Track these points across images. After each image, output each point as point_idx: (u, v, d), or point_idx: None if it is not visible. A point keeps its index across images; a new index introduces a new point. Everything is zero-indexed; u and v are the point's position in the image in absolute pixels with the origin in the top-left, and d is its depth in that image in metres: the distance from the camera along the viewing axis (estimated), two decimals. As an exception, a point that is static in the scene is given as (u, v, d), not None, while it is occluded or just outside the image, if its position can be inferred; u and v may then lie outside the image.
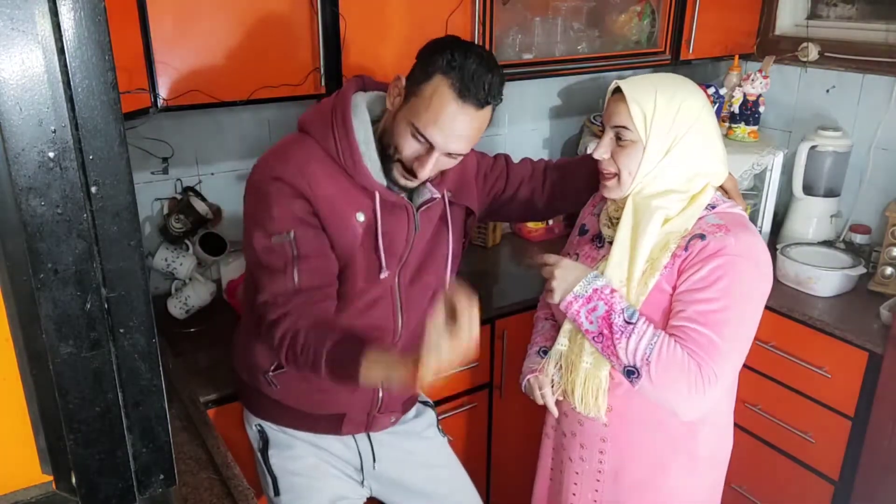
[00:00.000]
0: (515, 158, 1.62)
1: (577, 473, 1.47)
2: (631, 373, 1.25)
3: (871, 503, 1.85)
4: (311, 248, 1.23)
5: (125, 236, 0.58)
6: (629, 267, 1.28)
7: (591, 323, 1.27)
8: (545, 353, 1.46)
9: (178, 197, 1.91)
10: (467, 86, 1.16)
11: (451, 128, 1.19)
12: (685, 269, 1.24)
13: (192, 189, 1.94)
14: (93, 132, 0.55)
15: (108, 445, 0.62)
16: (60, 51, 0.53)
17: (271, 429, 1.49)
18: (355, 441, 1.51)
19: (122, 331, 0.60)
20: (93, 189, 0.56)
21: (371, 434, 1.52)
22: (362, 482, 1.55)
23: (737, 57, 2.41)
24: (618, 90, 1.28)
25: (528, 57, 2.09)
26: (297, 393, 1.42)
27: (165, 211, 1.89)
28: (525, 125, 2.55)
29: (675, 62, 2.31)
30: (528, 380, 1.44)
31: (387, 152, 1.26)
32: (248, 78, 1.62)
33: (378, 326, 1.38)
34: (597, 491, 1.45)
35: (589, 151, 1.32)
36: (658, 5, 2.27)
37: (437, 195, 1.36)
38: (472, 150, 1.40)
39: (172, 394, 1.52)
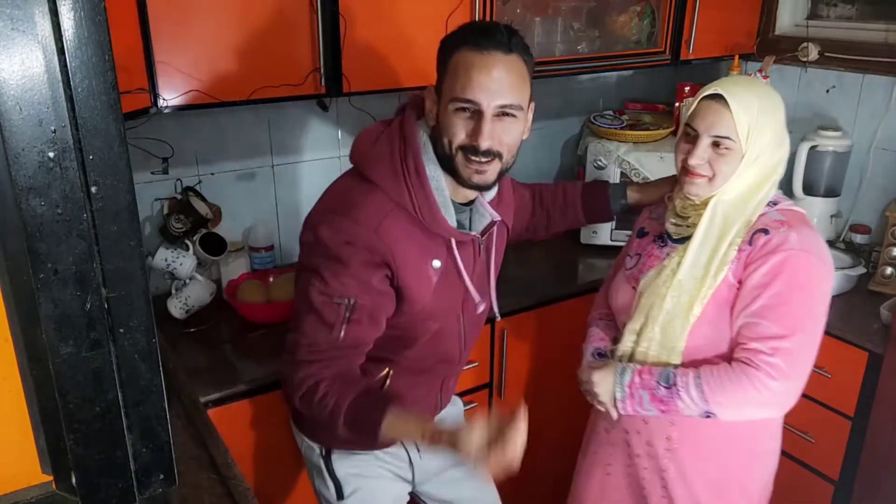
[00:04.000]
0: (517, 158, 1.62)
1: (645, 469, 1.48)
2: (708, 416, 1.30)
3: (871, 503, 1.85)
4: (366, 315, 1.22)
5: (125, 236, 0.58)
6: (705, 267, 1.31)
7: (648, 410, 1.33)
8: (600, 354, 1.49)
9: (178, 197, 1.91)
10: (480, 39, 1.15)
11: (487, 78, 1.14)
12: (748, 265, 1.29)
13: (192, 189, 1.94)
14: (93, 132, 0.55)
15: (108, 445, 0.62)
16: (60, 51, 0.53)
17: None
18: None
19: (122, 331, 0.60)
20: (93, 189, 0.56)
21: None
22: (412, 477, 1.57)
23: (737, 57, 2.41)
24: (715, 96, 1.28)
25: (528, 57, 2.09)
26: None
27: (165, 211, 1.89)
28: (525, 125, 2.54)
29: (675, 62, 2.31)
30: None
31: (447, 155, 1.21)
32: (248, 78, 1.62)
33: (445, 359, 1.43)
34: (664, 487, 1.46)
35: (690, 161, 1.31)
36: (658, 5, 2.27)
37: (498, 218, 1.34)
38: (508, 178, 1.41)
39: (172, 394, 1.52)
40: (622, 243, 2.33)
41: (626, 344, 1.41)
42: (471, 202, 1.32)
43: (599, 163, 2.29)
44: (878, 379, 1.78)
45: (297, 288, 1.27)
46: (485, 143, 1.17)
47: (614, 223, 2.34)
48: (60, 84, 0.53)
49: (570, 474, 2.42)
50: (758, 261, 1.27)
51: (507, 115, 1.18)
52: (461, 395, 2.00)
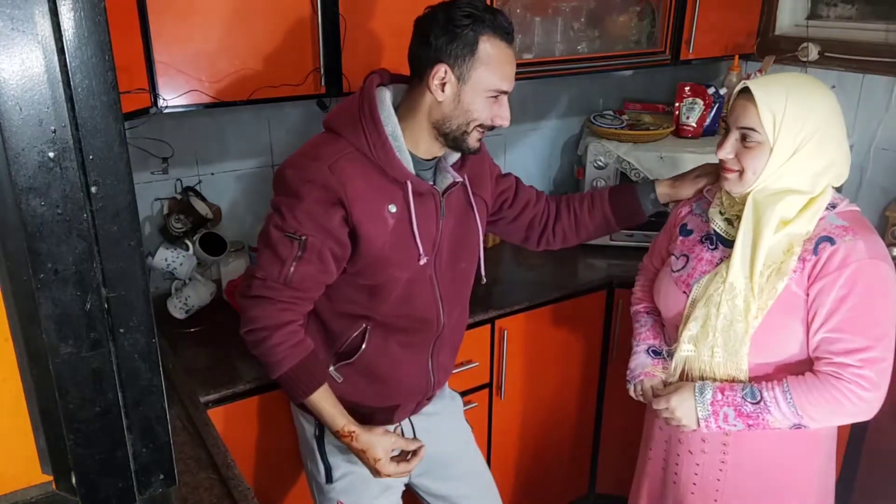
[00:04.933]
0: (516, 158, 1.63)
1: (697, 465, 1.47)
2: (797, 427, 1.29)
3: (871, 503, 1.85)
4: (315, 255, 1.29)
5: (125, 236, 0.58)
6: (751, 265, 1.30)
7: (734, 426, 1.32)
8: (655, 352, 1.49)
9: (178, 197, 1.91)
10: (505, 27, 1.27)
11: (512, 69, 1.31)
12: (819, 277, 1.26)
13: (192, 189, 1.94)
14: (93, 132, 0.55)
15: (108, 445, 0.62)
16: (60, 51, 0.52)
17: None
18: (400, 426, 1.55)
19: (122, 331, 0.60)
20: (93, 189, 0.56)
21: (412, 417, 1.58)
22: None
23: (737, 57, 2.41)
24: (745, 90, 1.28)
25: (528, 57, 2.09)
26: (358, 387, 1.45)
27: (165, 211, 1.89)
28: (525, 125, 2.54)
29: (675, 62, 2.31)
30: (643, 381, 1.46)
31: (458, 131, 1.31)
32: (248, 78, 1.62)
33: (422, 318, 1.44)
34: (719, 480, 1.45)
35: (718, 154, 1.33)
36: (658, 5, 2.27)
37: (460, 179, 1.41)
38: (486, 151, 1.53)
39: (172, 394, 1.52)
40: (622, 243, 2.35)
41: (682, 351, 1.39)
42: (434, 160, 1.39)
43: (599, 163, 2.29)
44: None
45: (262, 227, 1.34)
46: (508, 120, 1.34)
47: (614, 223, 2.34)
48: (60, 84, 0.53)
49: (569, 473, 2.42)
50: (830, 274, 1.24)
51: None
52: (461, 395, 2.01)
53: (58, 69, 0.53)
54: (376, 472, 1.38)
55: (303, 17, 1.64)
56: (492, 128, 1.34)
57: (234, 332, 1.83)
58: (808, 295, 1.27)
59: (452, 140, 1.33)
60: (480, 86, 1.27)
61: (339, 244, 1.30)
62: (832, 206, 1.30)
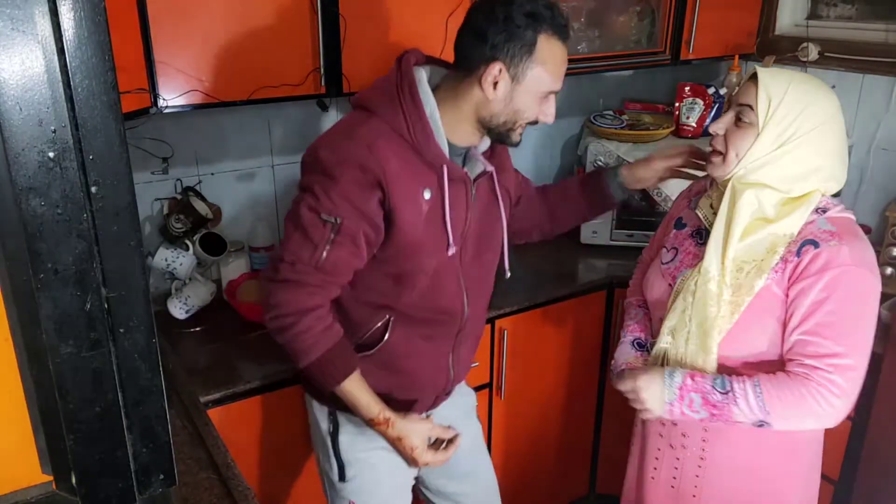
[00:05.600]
0: (516, 158, 1.62)
1: (677, 460, 1.47)
2: (760, 425, 1.28)
3: (871, 503, 1.85)
4: (349, 239, 1.25)
5: (125, 236, 0.58)
6: (723, 248, 1.30)
7: (698, 412, 1.30)
8: (640, 344, 1.49)
9: (178, 197, 1.91)
10: (562, 25, 1.24)
11: (565, 67, 1.29)
12: (799, 279, 1.25)
13: (192, 189, 1.94)
14: (93, 132, 0.55)
15: (108, 445, 0.62)
16: (60, 51, 0.52)
17: (341, 413, 1.48)
18: (431, 414, 1.54)
19: (122, 331, 0.60)
20: (93, 189, 0.56)
21: (432, 412, 1.55)
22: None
23: (737, 57, 2.41)
24: (753, 76, 1.28)
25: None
26: (377, 379, 1.39)
27: (165, 211, 1.89)
28: (525, 125, 2.54)
29: (675, 62, 2.31)
30: (623, 371, 1.46)
31: (505, 126, 1.30)
32: (248, 78, 1.62)
33: (446, 309, 1.41)
34: (697, 476, 1.45)
35: (711, 129, 1.34)
36: (658, 5, 2.27)
37: (490, 168, 1.39)
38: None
39: (172, 394, 1.52)
40: (622, 243, 2.35)
41: (662, 342, 1.40)
42: (467, 147, 1.37)
43: (599, 163, 2.29)
44: (878, 379, 1.78)
45: (290, 208, 1.30)
46: (553, 116, 1.35)
47: (615, 223, 2.35)
48: (60, 84, 0.53)
49: (569, 473, 2.42)
50: (810, 277, 1.24)
51: None
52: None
53: (58, 69, 0.53)
54: (413, 462, 1.36)
55: (303, 17, 1.64)
56: (535, 122, 1.33)
57: (234, 332, 1.85)
58: (787, 296, 1.27)
59: (497, 134, 1.31)
60: (534, 86, 1.25)
61: (373, 228, 1.26)
62: (823, 210, 1.29)
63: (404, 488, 1.56)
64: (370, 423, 1.35)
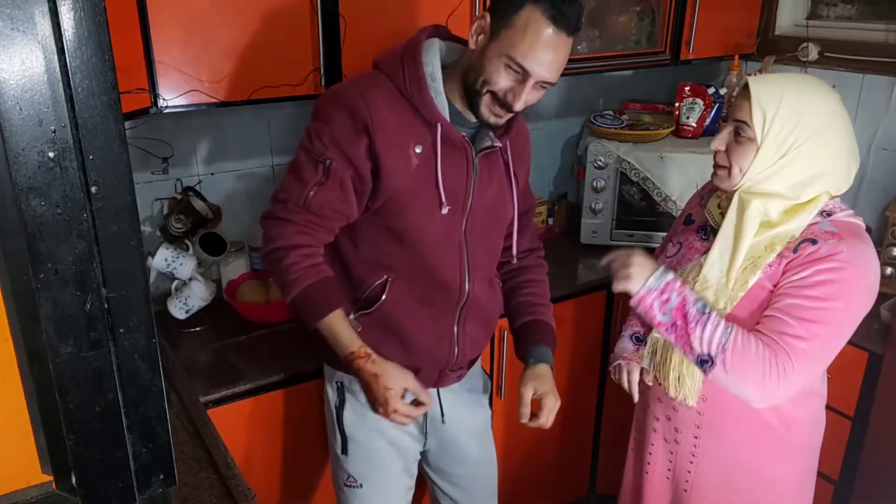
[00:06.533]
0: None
1: (672, 453, 1.48)
2: (704, 362, 1.27)
3: (871, 503, 1.85)
4: (337, 182, 1.29)
5: (125, 236, 0.58)
6: (730, 260, 1.30)
7: (665, 314, 1.29)
8: (638, 339, 1.50)
9: (178, 197, 1.91)
10: (561, 11, 1.20)
11: (546, 54, 1.22)
12: (790, 269, 1.25)
13: (192, 189, 1.94)
14: (93, 132, 0.55)
15: (108, 445, 0.62)
16: (60, 51, 0.52)
17: (349, 387, 1.49)
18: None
19: (122, 331, 0.60)
20: (93, 189, 0.56)
21: (440, 389, 1.55)
22: (425, 441, 1.59)
23: (737, 57, 2.41)
24: (745, 87, 1.28)
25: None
26: (378, 339, 1.39)
27: (165, 211, 1.89)
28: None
29: (675, 62, 2.31)
30: (619, 364, 1.47)
31: (474, 87, 1.28)
32: (248, 78, 1.62)
33: (443, 283, 1.42)
34: (689, 472, 1.46)
35: (712, 145, 1.33)
36: (658, 5, 2.27)
37: (498, 144, 1.40)
38: (530, 145, 1.53)
39: (172, 394, 1.52)
40: (622, 243, 2.35)
41: (655, 333, 1.40)
42: (477, 123, 1.37)
43: (599, 163, 2.29)
44: (878, 379, 1.78)
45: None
46: (519, 106, 1.28)
47: (615, 223, 2.35)
48: (60, 84, 0.53)
49: (569, 473, 2.42)
50: (802, 266, 1.23)
51: (544, 86, 1.28)
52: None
53: (58, 69, 0.53)
54: (384, 404, 1.32)
55: (303, 16, 1.64)
56: (507, 107, 1.28)
57: (234, 332, 1.85)
58: (776, 287, 1.27)
59: (469, 97, 1.30)
60: (502, 47, 1.23)
61: (360, 176, 1.29)
62: (828, 213, 1.28)
63: (405, 473, 1.57)
64: (350, 360, 1.32)
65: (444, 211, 1.35)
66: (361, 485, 1.53)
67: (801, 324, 1.22)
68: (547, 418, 1.49)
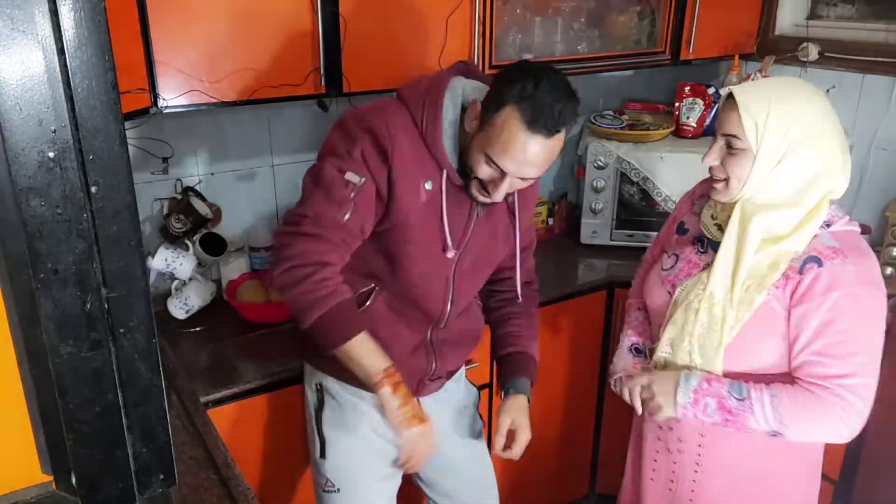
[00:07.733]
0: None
1: (675, 463, 1.47)
2: (774, 435, 1.27)
3: (871, 503, 1.85)
4: (364, 206, 1.29)
5: (125, 236, 0.58)
6: (732, 276, 1.28)
7: (712, 418, 1.30)
8: (637, 350, 1.49)
9: (178, 197, 1.91)
10: (536, 116, 1.20)
11: (523, 157, 1.23)
12: (804, 300, 1.23)
13: (192, 189, 1.94)
14: (93, 132, 0.55)
15: (108, 445, 0.62)
16: (60, 51, 0.52)
17: (329, 388, 1.49)
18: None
19: (122, 331, 0.60)
20: (93, 189, 0.56)
21: (420, 399, 1.54)
22: None
23: (737, 57, 2.41)
24: (731, 96, 1.26)
25: (528, 57, 2.09)
26: None
27: (165, 211, 1.89)
28: (525, 125, 2.54)
29: (675, 62, 2.31)
30: (621, 378, 1.46)
31: (464, 169, 1.33)
32: (248, 78, 1.62)
33: (426, 309, 1.44)
34: (694, 481, 1.46)
35: (704, 161, 1.32)
36: (658, 5, 2.27)
37: (496, 201, 1.39)
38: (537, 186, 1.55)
39: (172, 394, 1.52)
40: (622, 243, 2.35)
41: (661, 351, 1.39)
42: None
43: (599, 163, 2.29)
44: (878, 379, 1.78)
45: (310, 170, 1.34)
46: (498, 198, 1.32)
47: (615, 223, 2.35)
48: (60, 84, 0.53)
49: (569, 473, 2.42)
50: (816, 299, 1.22)
51: (527, 179, 1.30)
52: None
53: (58, 69, 0.53)
54: (414, 463, 1.37)
55: (303, 17, 1.64)
56: (488, 194, 1.31)
57: (234, 332, 1.85)
58: (789, 313, 1.26)
59: (462, 174, 1.34)
60: (482, 143, 1.26)
61: (381, 200, 1.31)
62: (827, 224, 1.27)
63: (385, 481, 1.55)
64: (376, 382, 1.30)
65: (450, 255, 1.38)
66: (339, 489, 1.52)
67: (843, 361, 1.22)
68: (519, 451, 1.52)
